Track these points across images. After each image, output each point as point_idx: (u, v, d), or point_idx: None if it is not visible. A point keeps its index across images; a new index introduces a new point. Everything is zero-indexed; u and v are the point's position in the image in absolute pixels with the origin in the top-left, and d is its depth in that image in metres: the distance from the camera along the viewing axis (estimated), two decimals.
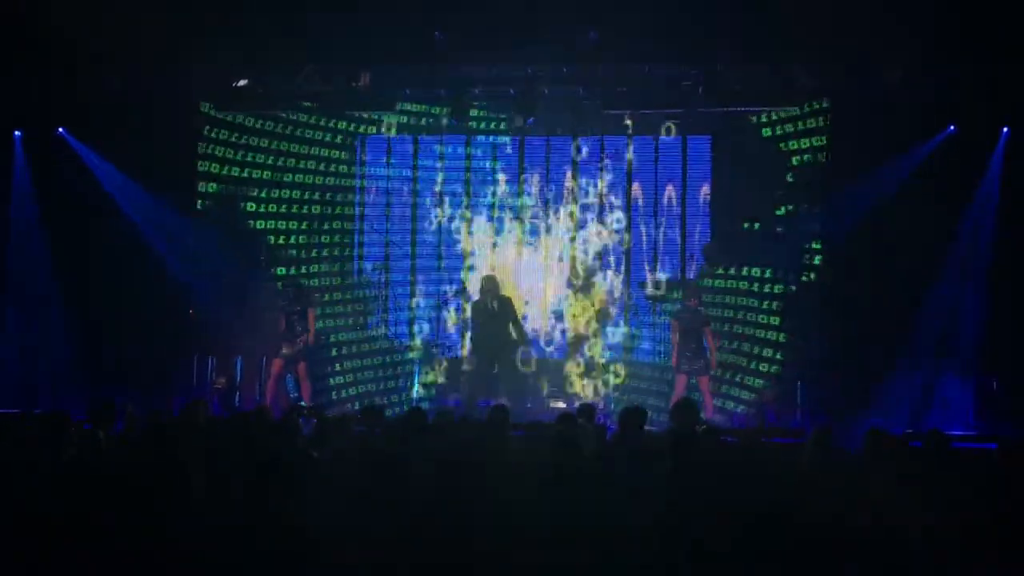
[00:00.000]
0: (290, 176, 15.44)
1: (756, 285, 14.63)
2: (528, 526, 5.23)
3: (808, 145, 14.51)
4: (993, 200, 14.18)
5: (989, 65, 13.19)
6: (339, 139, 15.60)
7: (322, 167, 15.57)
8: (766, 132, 14.71)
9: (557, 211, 15.51)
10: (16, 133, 15.41)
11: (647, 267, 15.30)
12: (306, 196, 15.53)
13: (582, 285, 15.33)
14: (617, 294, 15.34)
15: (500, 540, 5.04)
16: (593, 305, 15.32)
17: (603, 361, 15.20)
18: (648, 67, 14.47)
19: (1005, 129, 14.15)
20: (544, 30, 13.34)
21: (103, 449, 6.89)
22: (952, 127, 14.11)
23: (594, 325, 15.27)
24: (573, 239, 15.43)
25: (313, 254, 15.55)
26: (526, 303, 15.25)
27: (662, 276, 15.23)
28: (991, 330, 13.88)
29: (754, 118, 14.75)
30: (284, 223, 15.46)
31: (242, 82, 15.07)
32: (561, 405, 14.38)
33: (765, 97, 14.59)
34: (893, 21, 12.56)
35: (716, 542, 5.35)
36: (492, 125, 15.48)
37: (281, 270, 15.32)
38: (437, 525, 5.08)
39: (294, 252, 15.47)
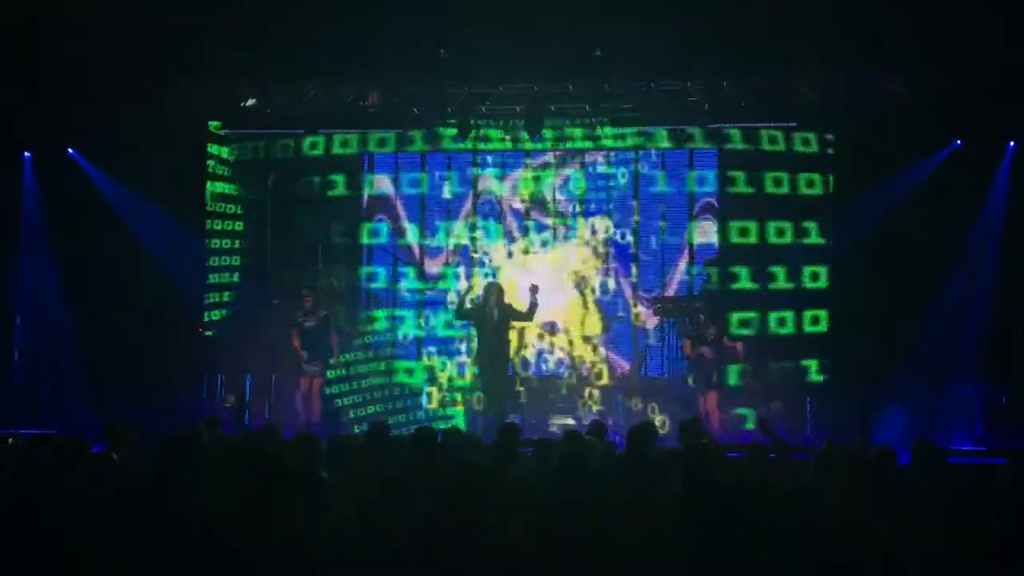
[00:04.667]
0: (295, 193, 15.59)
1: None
2: (538, 546, 5.25)
3: (813, 161, 14.61)
4: (999, 214, 14.19)
5: (995, 79, 13.19)
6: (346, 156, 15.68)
7: (327, 185, 15.65)
8: (772, 147, 14.79)
9: (565, 226, 15.49)
10: (26, 154, 15.49)
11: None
12: (312, 214, 15.60)
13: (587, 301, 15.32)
14: (623, 311, 15.33)
15: (510, 561, 5.06)
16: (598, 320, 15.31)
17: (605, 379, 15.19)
18: (653, 83, 14.54)
19: (1011, 143, 14.18)
20: (550, 47, 13.38)
21: (116, 472, 6.92)
22: (958, 141, 14.14)
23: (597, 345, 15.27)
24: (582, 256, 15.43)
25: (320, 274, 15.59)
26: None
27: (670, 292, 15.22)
28: (999, 344, 13.89)
29: (760, 133, 14.82)
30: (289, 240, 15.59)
31: (250, 101, 15.17)
32: (570, 422, 14.37)
33: (770, 112, 14.67)
34: (898, 35, 12.60)
35: (727, 559, 5.36)
36: (499, 142, 15.51)
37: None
38: (446, 546, 5.10)
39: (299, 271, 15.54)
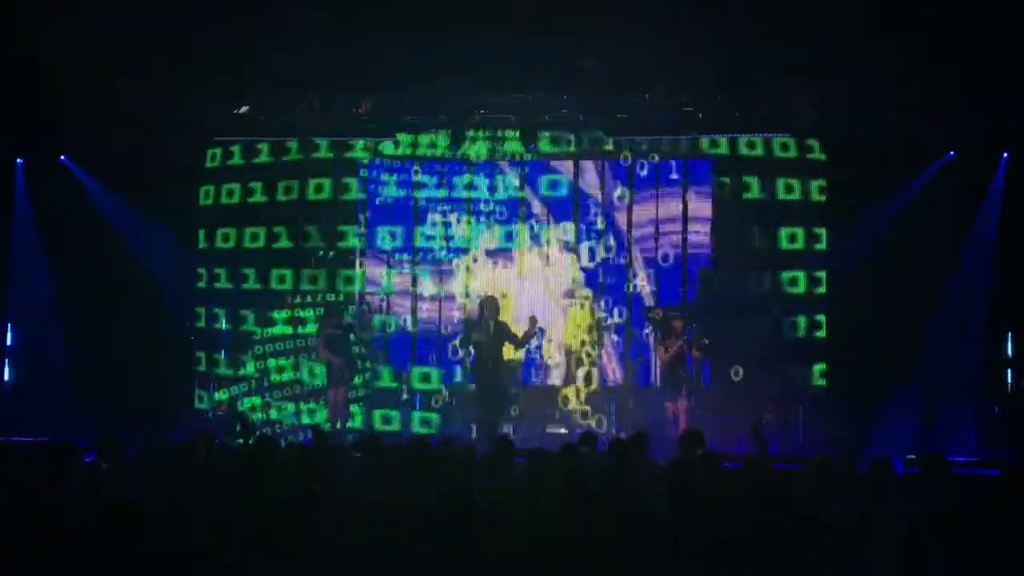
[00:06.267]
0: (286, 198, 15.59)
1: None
2: (536, 556, 5.22)
3: (808, 171, 14.62)
4: (993, 225, 14.18)
5: (989, 90, 13.19)
6: (340, 166, 15.64)
7: (323, 194, 15.59)
8: (768, 156, 14.80)
9: (558, 237, 15.44)
10: (18, 160, 15.45)
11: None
12: (306, 224, 15.58)
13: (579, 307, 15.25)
14: (616, 319, 15.28)
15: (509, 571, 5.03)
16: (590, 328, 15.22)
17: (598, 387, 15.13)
18: (648, 94, 14.54)
19: (1005, 154, 14.18)
20: (545, 58, 13.36)
21: (106, 482, 6.88)
22: (952, 153, 14.14)
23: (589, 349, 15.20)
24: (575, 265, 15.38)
25: (314, 285, 15.56)
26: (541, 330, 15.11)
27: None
28: (993, 356, 13.92)
29: (757, 147, 14.81)
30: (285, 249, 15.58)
31: (243, 109, 15.13)
32: (562, 431, 14.34)
33: (764, 124, 14.67)
34: (891, 47, 12.59)
35: (717, 568, 5.34)
36: (492, 151, 15.48)
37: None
38: (443, 558, 5.07)
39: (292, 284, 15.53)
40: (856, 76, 13.38)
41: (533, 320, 13.69)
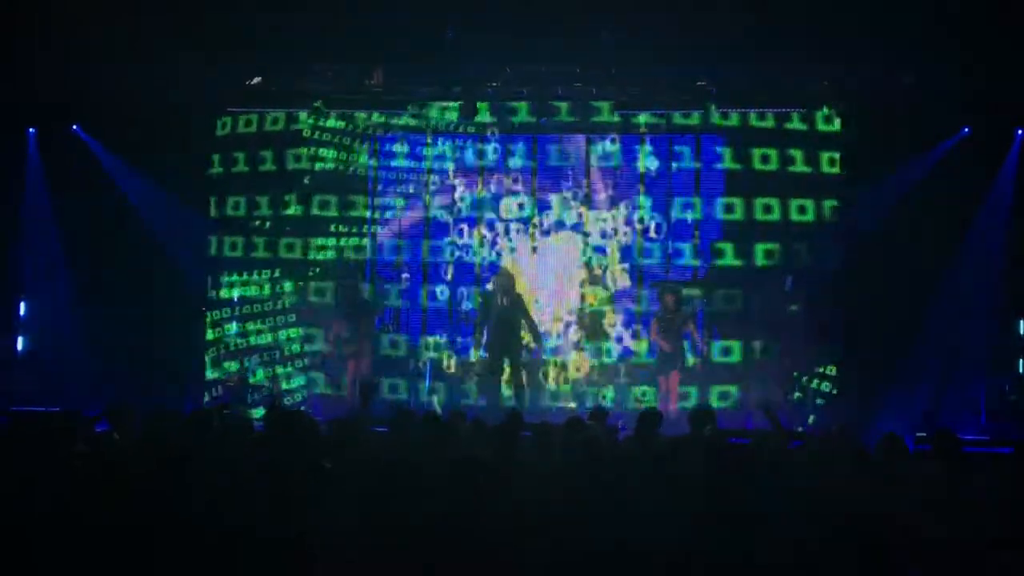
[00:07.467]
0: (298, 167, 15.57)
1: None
2: (545, 533, 5.22)
3: (821, 146, 14.54)
4: (1006, 201, 14.13)
5: (1003, 66, 13.09)
6: (348, 139, 15.63)
7: (334, 166, 15.58)
8: (780, 129, 14.73)
9: (570, 209, 15.42)
10: (30, 130, 15.46)
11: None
12: (318, 196, 15.57)
13: (593, 281, 15.23)
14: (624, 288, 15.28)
15: (516, 548, 5.02)
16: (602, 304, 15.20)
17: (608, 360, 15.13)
18: (662, 68, 14.46)
19: (1020, 131, 14.10)
20: (557, 30, 13.29)
21: (118, 450, 6.89)
22: (966, 129, 14.06)
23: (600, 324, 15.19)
24: (586, 236, 15.35)
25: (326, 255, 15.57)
26: (536, 301, 15.12)
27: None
28: (1004, 332, 13.89)
29: (769, 120, 14.74)
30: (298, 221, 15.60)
31: (255, 80, 15.08)
32: (571, 405, 14.34)
33: (779, 98, 14.59)
34: (905, 23, 12.50)
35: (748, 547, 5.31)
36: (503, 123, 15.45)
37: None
38: (451, 533, 5.06)
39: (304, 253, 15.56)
40: (871, 52, 13.27)
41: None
